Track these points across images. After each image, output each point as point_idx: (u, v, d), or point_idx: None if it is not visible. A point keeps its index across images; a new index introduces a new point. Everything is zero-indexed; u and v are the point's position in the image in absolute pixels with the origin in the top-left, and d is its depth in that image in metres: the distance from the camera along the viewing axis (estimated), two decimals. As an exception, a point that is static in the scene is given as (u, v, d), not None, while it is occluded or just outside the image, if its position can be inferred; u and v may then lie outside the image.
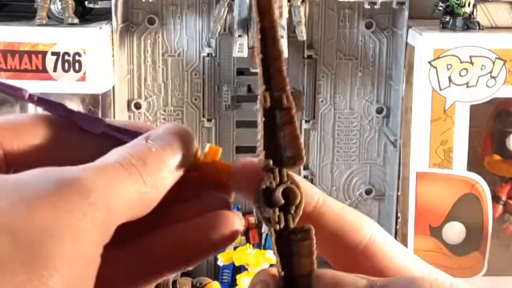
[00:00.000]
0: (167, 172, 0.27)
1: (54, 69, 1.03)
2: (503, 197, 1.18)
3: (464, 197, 1.10)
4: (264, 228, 1.26)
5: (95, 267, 0.24)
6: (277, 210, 0.26)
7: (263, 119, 0.26)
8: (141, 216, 0.27)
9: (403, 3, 1.10)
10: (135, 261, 0.29)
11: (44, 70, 1.03)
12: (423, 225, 1.11)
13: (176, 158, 0.28)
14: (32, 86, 1.04)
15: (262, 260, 1.20)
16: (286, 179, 0.26)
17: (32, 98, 0.30)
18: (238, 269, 1.24)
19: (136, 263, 0.29)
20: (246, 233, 1.26)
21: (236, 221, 0.30)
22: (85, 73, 1.03)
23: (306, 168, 1.26)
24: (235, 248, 1.24)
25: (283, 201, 0.26)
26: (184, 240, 0.29)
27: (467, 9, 1.08)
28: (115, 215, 0.25)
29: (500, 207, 1.18)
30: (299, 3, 1.07)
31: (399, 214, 1.16)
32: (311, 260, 0.27)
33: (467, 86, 1.06)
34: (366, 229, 0.30)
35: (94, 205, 0.24)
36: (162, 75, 1.21)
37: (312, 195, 0.30)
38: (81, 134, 0.30)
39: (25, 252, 0.22)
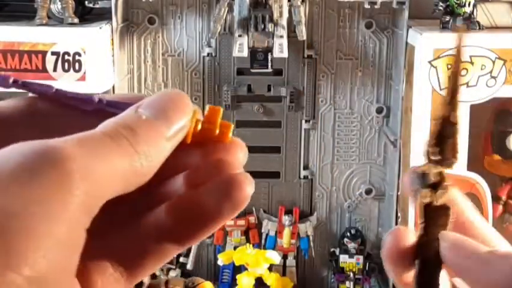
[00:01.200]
0: (161, 140, 0.25)
1: (54, 69, 1.03)
2: (503, 197, 1.18)
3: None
4: (264, 228, 1.26)
5: (77, 246, 0.23)
6: (428, 188, 0.33)
7: (439, 123, 0.34)
8: (137, 188, 0.25)
9: (403, 3, 1.10)
10: (137, 239, 0.27)
11: (44, 70, 1.03)
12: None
13: (170, 125, 0.26)
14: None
15: (262, 259, 1.20)
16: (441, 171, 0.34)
17: (16, 83, 0.28)
18: (238, 269, 1.24)
19: (138, 241, 0.27)
20: (246, 232, 1.26)
21: (246, 183, 0.27)
22: (84, 73, 1.03)
23: (306, 168, 1.26)
24: (235, 248, 1.24)
25: (437, 180, 0.33)
26: (190, 211, 0.27)
27: (467, 9, 1.08)
28: (100, 189, 0.23)
29: (500, 207, 1.18)
30: (299, 3, 1.07)
31: (399, 214, 1.16)
32: (444, 230, 0.33)
33: (467, 86, 1.06)
34: (462, 208, 0.34)
35: (71, 177, 0.22)
36: (162, 74, 1.21)
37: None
38: (73, 114, 0.28)
39: None
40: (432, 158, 0.34)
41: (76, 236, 0.22)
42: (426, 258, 0.31)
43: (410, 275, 0.32)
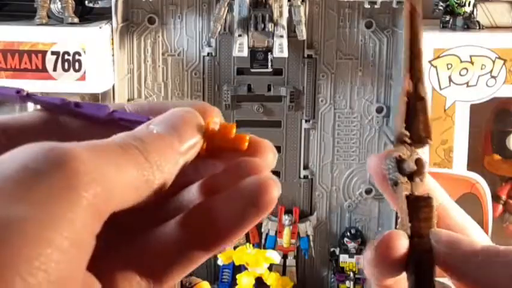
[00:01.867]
0: (172, 153, 0.25)
1: (54, 69, 1.03)
2: (503, 197, 1.18)
3: (464, 196, 1.09)
4: (264, 228, 1.26)
5: (84, 253, 0.22)
6: (405, 177, 0.30)
7: (405, 101, 0.30)
8: (155, 199, 0.25)
9: (403, 3, 1.09)
10: (160, 249, 0.26)
11: (44, 69, 1.03)
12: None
13: (182, 140, 0.26)
14: (32, 85, 1.04)
15: (262, 259, 1.20)
16: (415, 153, 0.31)
17: (30, 97, 0.28)
18: (238, 269, 1.24)
19: (162, 250, 0.26)
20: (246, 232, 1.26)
21: (271, 186, 0.26)
22: (84, 72, 1.03)
23: (306, 167, 1.26)
24: (235, 248, 1.24)
25: (415, 168, 0.30)
26: (211, 218, 0.26)
27: (467, 9, 1.08)
28: (110, 194, 0.23)
29: (500, 207, 1.18)
30: (299, 3, 1.07)
31: (399, 214, 1.16)
32: (429, 225, 0.30)
33: (467, 86, 1.06)
34: (438, 196, 0.32)
35: (81, 182, 0.21)
36: (162, 74, 1.21)
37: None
38: (86, 125, 0.28)
39: (3, 242, 0.20)
40: (405, 140, 0.30)
41: (83, 240, 0.22)
42: (420, 261, 0.29)
43: (393, 279, 0.30)
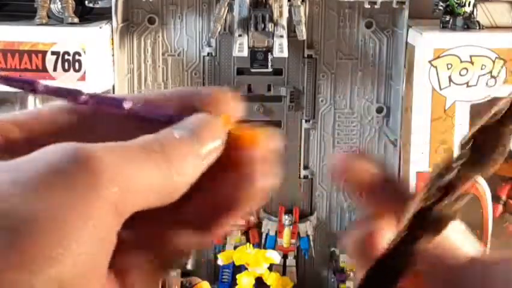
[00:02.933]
0: (194, 157, 0.26)
1: (54, 69, 1.03)
2: (503, 197, 1.18)
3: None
4: (264, 228, 1.26)
5: (107, 250, 0.23)
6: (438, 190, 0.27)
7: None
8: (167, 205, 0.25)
9: (403, 3, 1.10)
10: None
11: (44, 69, 1.03)
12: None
13: (203, 144, 0.26)
14: (32, 85, 1.04)
15: (262, 259, 1.20)
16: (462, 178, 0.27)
17: (47, 88, 0.28)
18: (238, 269, 1.24)
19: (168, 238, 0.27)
20: (246, 232, 1.26)
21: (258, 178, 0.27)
22: (84, 72, 1.03)
23: (306, 167, 1.26)
24: (235, 248, 1.24)
25: (458, 189, 0.27)
26: (209, 202, 0.27)
27: (467, 9, 1.08)
28: (132, 197, 0.23)
29: (500, 207, 1.18)
30: (299, 3, 1.07)
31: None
32: (427, 241, 0.28)
33: (467, 86, 1.06)
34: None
35: (104, 183, 0.22)
36: (162, 74, 1.21)
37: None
38: (103, 118, 0.28)
39: (8, 237, 0.21)
40: (465, 157, 0.27)
41: (104, 237, 0.23)
42: (390, 267, 0.27)
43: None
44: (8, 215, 0.21)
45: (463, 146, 0.27)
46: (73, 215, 0.22)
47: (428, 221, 0.27)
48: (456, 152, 0.27)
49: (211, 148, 0.27)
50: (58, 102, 0.29)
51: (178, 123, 0.27)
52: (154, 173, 0.24)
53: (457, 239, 0.30)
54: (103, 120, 0.28)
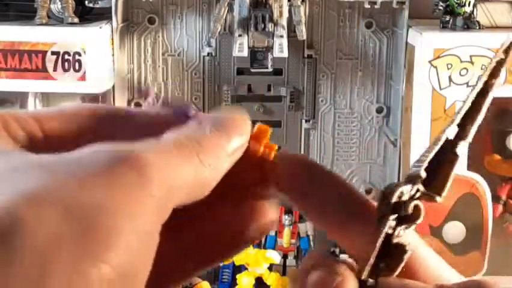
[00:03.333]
0: (223, 154, 0.27)
1: (54, 69, 1.03)
2: (503, 197, 1.18)
3: (464, 196, 1.10)
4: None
5: (153, 247, 0.24)
6: (395, 218, 0.27)
7: (437, 145, 0.27)
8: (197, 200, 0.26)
9: (403, 3, 1.10)
10: (182, 247, 0.28)
11: (44, 69, 1.03)
12: (423, 224, 1.11)
13: (231, 141, 0.27)
14: (32, 85, 1.04)
15: (262, 259, 1.20)
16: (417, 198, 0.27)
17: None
18: (238, 269, 1.24)
19: (183, 250, 0.28)
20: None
21: (270, 213, 0.29)
22: (84, 72, 1.03)
23: (306, 167, 1.26)
24: (235, 248, 1.24)
25: (410, 214, 0.27)
26: (221, 230, 0.29)
27: (467, 9, 1.08)
28: (172, 194, 0.24)
29: (500, 207, 1.18)
30: (299, 3, 1.07)
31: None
32: (391, 274, 0.28)
33: (468, 86, 1.06)
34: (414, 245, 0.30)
35: (151, 181, 0.23)
36: (162, 74, 1.21)
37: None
38: (127, 121, 0.29)
39: (78, 228, 0.21)
40: (419, 181, 0.27)
41: (151, 238, 0.24)
42: None
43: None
44: (80, 206, 0.22)
45: (412, 177, 0.27)
46: (127, 213, 0.22)
47: (389, 252, 0.27)
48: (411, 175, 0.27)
49: (238, 144, 0.27)
50: (75, 103, 0.29)
51: (205, 119, 0.28)
52: (188, 171, 0.25)
53: (429, 267, 0.29)
54: (122, 125, 0.29)
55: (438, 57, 1.05)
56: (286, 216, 1.25)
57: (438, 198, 0.28)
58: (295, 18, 1.07)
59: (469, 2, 1.08)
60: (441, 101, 1.06)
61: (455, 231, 1.11)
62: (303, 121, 1.24)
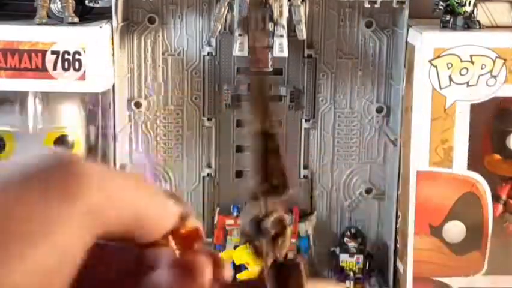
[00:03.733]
0: (166, 201, 0.27)
1: (54, 68, 1.03)
2: (504, 197, 1.18)
3: (464, 196, 1.09)
4: (264, 228, 1.26)
5: (72, 261, 0.22)
6: (265, 241, 0.25)
7: (253, 145, 0.25)
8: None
9: (403, 2, 1.10)
10: None
11: (44, 69, 1.03)
12: (423, 224, 1.11)
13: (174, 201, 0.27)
14: (32, 84, 1.04)
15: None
16: (273, 209, 0.26)
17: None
18: (238, 268, 1.24)
19: None
20: (246, 232, 1.26)
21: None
22: (84, 72, 1.03)
23: (306, 167, 1.26)
24: (235, 247, 1.24)
25: (272, 232, 0.25)
26: None
27: (468, 8, 1.08)
28: (105, 214, 0.23)
29: (500, 207, 1.18)
30: (299, 3, 1.07)
31: (399, 213, 1.16)
32: None
33: (468, 85, 1.06)
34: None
35: (82, 192, 0.22)
36: (162, 74, 1.21)
37: None
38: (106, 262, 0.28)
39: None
40: (256, 196, 0.25)
41: (71, 250, 0.22)
42: None
43: None
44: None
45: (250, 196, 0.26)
46: (46, 219, 0.21)
47: (283, 275, 0.25)
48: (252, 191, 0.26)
49: (178, 208, 0.27)
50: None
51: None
52: (132, 195, 0.25)
53: None
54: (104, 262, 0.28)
55: (439, 56, 1.05)
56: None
57: (286, 190, 0.26)
58: (296, 17, 1.07)
59: (469, 1, 1.08)
60: (442, 101, 1.06)
61: (455, 230, 1.11)
62: (303, 121, 1.24)
